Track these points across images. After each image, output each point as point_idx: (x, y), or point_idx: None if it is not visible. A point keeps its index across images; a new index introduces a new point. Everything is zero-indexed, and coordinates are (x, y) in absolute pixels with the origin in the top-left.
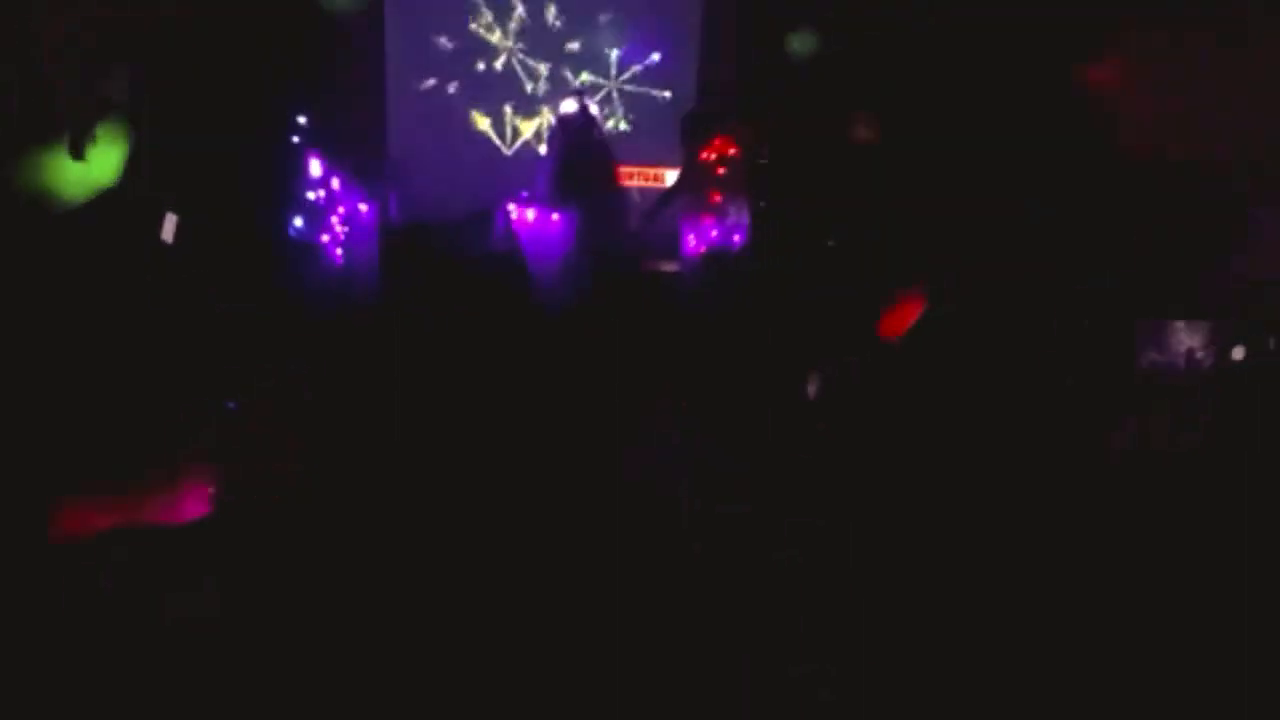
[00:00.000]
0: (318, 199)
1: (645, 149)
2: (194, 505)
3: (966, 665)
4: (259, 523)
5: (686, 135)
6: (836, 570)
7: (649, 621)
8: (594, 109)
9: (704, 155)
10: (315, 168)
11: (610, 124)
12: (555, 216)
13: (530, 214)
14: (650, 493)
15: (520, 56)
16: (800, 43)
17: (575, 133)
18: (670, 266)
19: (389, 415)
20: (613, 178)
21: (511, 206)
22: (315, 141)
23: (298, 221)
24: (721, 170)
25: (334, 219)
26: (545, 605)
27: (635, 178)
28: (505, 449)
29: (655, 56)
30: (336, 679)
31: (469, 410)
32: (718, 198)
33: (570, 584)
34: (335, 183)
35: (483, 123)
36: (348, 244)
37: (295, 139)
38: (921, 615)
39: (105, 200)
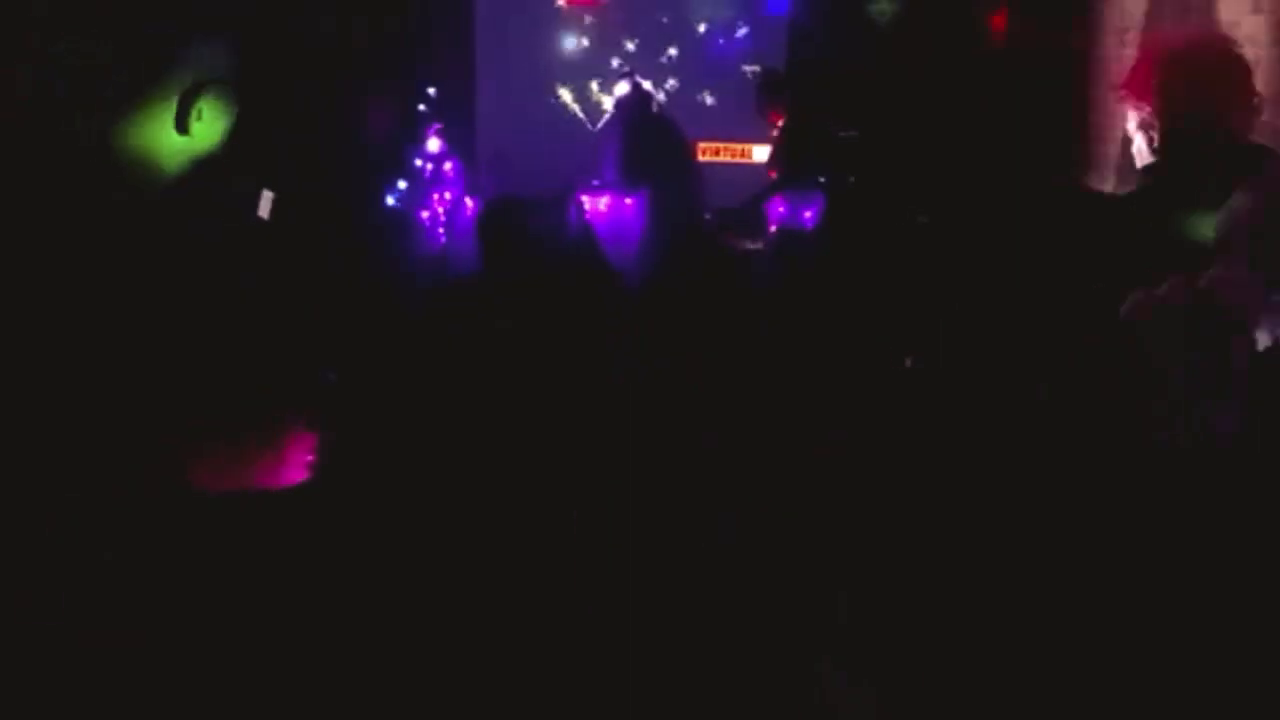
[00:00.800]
0: (426, 172)
1: (734, 124)
2: (295, 471)
3: (978, 665)
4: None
5: (760, 101)
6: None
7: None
8: (647, 85)
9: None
10: (433, 144)
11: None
12: (628, 201)
13: (603, 202)
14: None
15: (607, 31)
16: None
17: (632, 113)
18: (754, 245)
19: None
20: (681, 154)
21: (584, 198)
22: (436, 117)
23: (401, 184)
24: (775, 143)
25: (437, 197)
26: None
27: (722, 153)
28: (559, 439)
29: (743, 30)
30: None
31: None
32: (772, 173)
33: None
34: (448, 166)
35: (568, 98)
36: (449, 229)
37: (421, 107)
38: (935, 612)
39: (202, 175)
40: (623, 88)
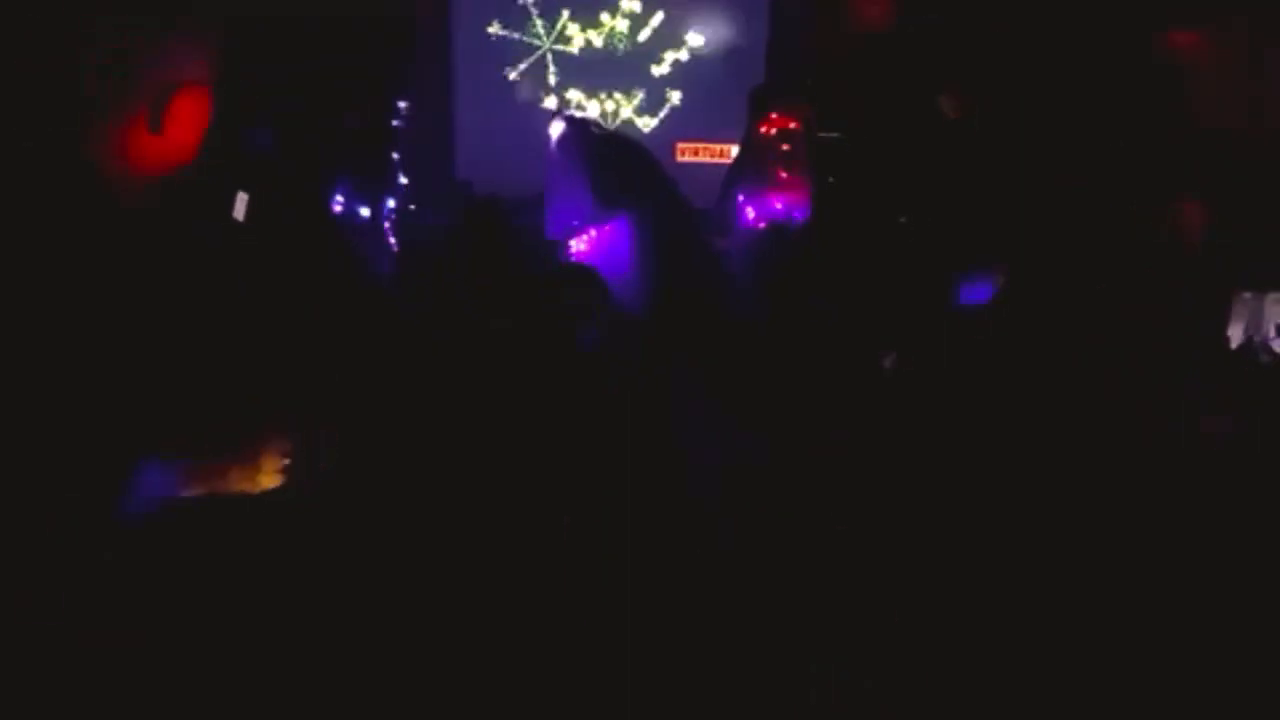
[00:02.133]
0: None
1: (711, 124)
2: (269, 479)
3: (977, 664)
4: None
5: (752, 110)
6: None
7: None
8: (580, 112)
9: (764, 129)
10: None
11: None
12: (611, 227)
13: (587, 239)
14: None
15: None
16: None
17: (582, 144)
18: (721, 242)
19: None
20: (650, 164)
21: (572, 242)
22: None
23: (390, 203)
24: (786, 146)
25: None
26: (563, 602)
27: (701, 153)
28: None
29: (716, 32)
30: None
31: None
32: (781, 173)
33: (591, 579)
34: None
35: (549, 102)
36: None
37: (395, 123)
38: (945, 616)
39: (178, 177)
40: (558, 127)
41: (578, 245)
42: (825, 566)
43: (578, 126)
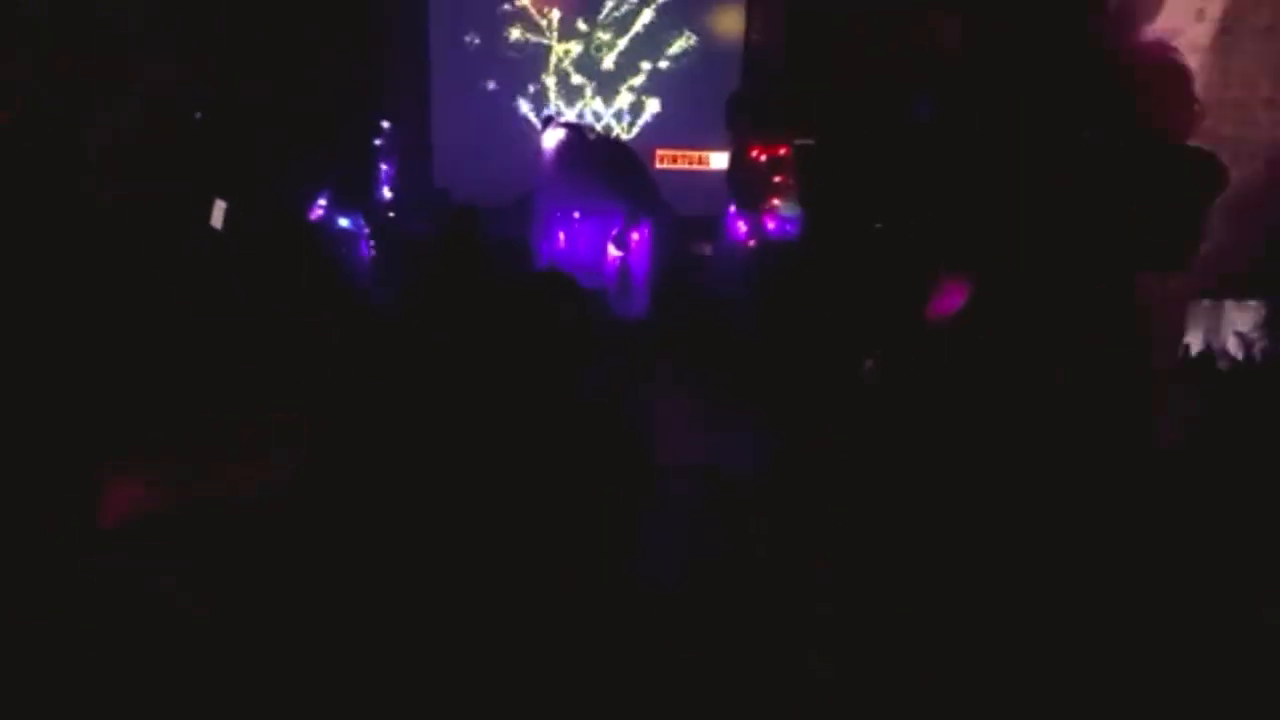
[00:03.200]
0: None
1: (690, 131)
2: (252, 478)
3: (977, 663)
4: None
5: (731, 118)
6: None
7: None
8: (571, 116)
9: (755, 154)
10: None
11: (650, 109)
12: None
13: (629, 244)
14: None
15: (555, 44)
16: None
17: (596, 148)
18: (705, 250)
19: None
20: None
21: (610, 248)
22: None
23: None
24: (779, 177)
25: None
26: (558, 605)
27: (680, 160)
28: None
29: (694, 39)
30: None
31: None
32: (775, 199)
33: (585, 580)
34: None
35: (525, 108)
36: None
37: (378, 143)
38: (934, 611)
39: (157, 186)
40: (556, 134)
41: (616, 251)
42: (822, 559)
43: (579, 132)
